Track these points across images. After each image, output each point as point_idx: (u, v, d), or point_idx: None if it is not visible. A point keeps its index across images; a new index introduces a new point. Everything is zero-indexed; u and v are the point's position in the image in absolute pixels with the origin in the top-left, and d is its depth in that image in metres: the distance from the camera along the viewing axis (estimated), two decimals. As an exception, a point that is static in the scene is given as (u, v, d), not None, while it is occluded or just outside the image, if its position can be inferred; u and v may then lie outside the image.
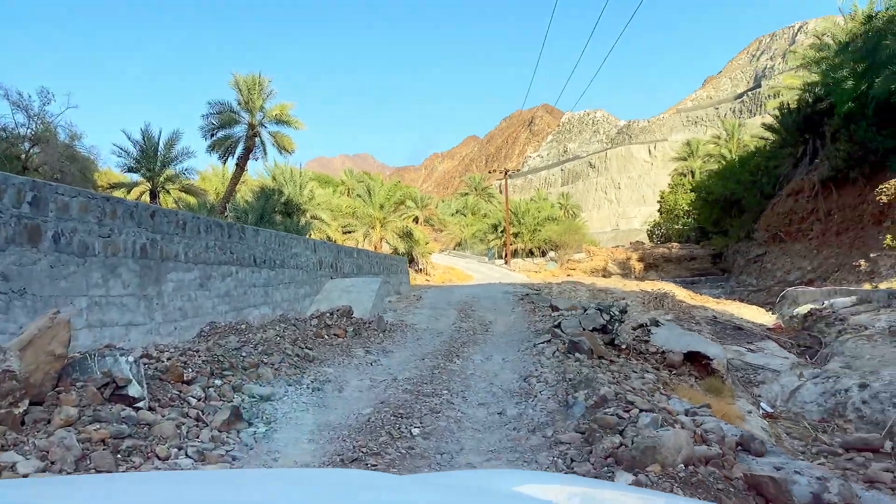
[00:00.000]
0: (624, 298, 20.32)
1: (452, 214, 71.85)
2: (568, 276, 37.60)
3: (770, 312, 23.18)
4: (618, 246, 59.33)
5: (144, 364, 6.30)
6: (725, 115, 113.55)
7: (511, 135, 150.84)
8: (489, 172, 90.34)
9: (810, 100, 29.66)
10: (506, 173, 50.00)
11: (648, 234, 59.98)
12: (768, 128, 31.98)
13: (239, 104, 29.72)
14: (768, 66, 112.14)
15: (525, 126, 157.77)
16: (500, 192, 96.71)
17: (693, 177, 58.89)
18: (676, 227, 55.98)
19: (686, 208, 55.90)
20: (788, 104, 30.66)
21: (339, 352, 9.60)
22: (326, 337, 10.45)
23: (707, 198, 31.06)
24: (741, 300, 26.67)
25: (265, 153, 30.09)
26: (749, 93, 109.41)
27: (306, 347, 9.25)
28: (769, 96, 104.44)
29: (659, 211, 58.98)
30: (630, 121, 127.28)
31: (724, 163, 54.51)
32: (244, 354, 7.82)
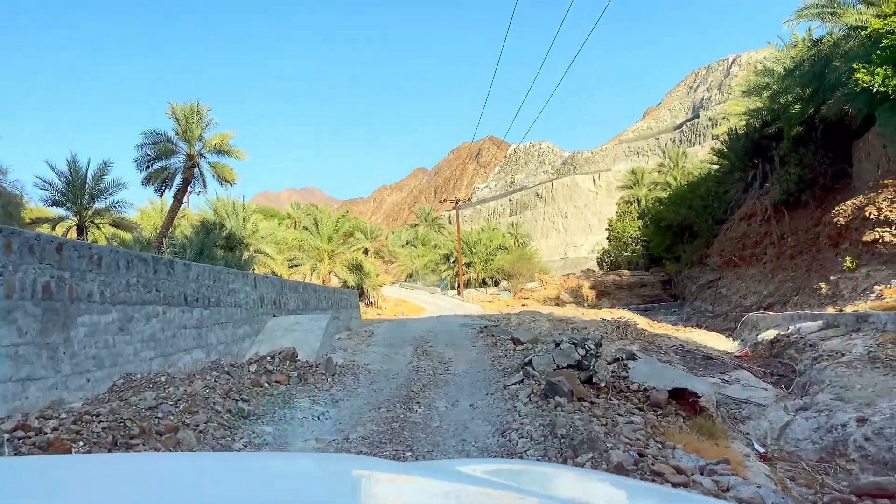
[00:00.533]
0: (586, 328, 19.37)
1: (403, 246, 70.63)
2: (523, 305, 36.67)
3: (731, 339, 22.60)
4: (569, 274, 59.00)
5: (20, 439, 4.84)
6: (666, 144, 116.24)
7: (459, 166, 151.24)
8: (439, 202, 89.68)
9: (757, 125, 29.77)
10: (456, 203, 49.16)
11: (598, 262, 59.86)
12: (717, 153, 31.99)
13: (176, 134, 28.07)
14: (705, 97, 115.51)
15: (473, 158, 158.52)
16: (451, 222, 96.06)
17: (639, 204, 59.31)
18: (626, 254, 55.96)
19: (634, 235, 56.07)
20: (736, 130, 30.71)
21: (280, 403, 8.19)
22: (266, 385, 9.02)
23: (659, 224, 30.71)
24: (699, 326, 26.09)
25: (205, 185, 28.43)
26: (688, 123, 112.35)
27: (241, 400, 7.81)
28: (710, 125, 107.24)
29: (608, 238, 58.99)
30: (574, 152, 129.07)
31: (670, 190, 55.14)
32: (161, 415, 6.36)
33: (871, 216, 18.51)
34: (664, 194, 55.59)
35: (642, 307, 41.50)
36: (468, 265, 48.12)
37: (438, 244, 60.62)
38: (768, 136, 28.84)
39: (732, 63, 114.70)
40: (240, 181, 28.51)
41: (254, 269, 34.04)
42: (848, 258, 19.14)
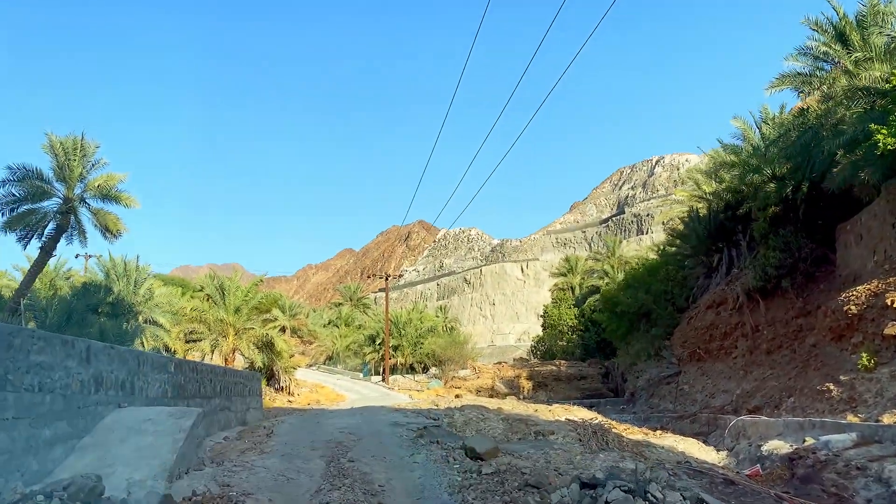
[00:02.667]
0: (553, 433, 14.77)
1: (325, 326, 64.73)
2: (457, 396, 31.71)
3: (713, 448, 18.45)
4: (500, 362, 54.35)
5: None
6: (592, 238, 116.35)
7: (387, 248, 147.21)
8: (367, 278, 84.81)
9: (719, 207, 26.97)
10: (386, 277, 44.43)
11: (532, 350, 55.81)
12: (676, 235, 28.89)
13: (53, 172, 22.64)
14: (630, 194, 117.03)
15: (402, 241, 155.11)
16: (377, 303, 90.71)
17: (573, 292, 56.24)
18: (561, 343, 52.20)
19: (570, 324, 52.54)
20: (697, 211, 27.77)
21: None
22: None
23: (614, 309, 26.96)
24: (663, 429, 21.89)
25: (84, 236, 22.80)
26: (613, 218, 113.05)
27: None
28: (634, 221, 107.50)
29: (543, 326, 55.28)
30: (503, 239, 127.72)
31: (607, 278, 52.40)
32: None
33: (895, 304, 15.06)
34: (601, 282, 52.90)
35: (583, 401, 37.23)
36: (395, 348, 42.96)
37: (363, 325, 55.20)
38: (733, 219, 25.94)
39: (656, 164, 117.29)
40: (153, 253, 22.79)
41: (141, 343, 28.02)
42: (864, 355, 15.50)
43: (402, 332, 43.36)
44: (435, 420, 16.29)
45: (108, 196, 22.32)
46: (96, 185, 22.13)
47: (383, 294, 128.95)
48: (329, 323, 65.83)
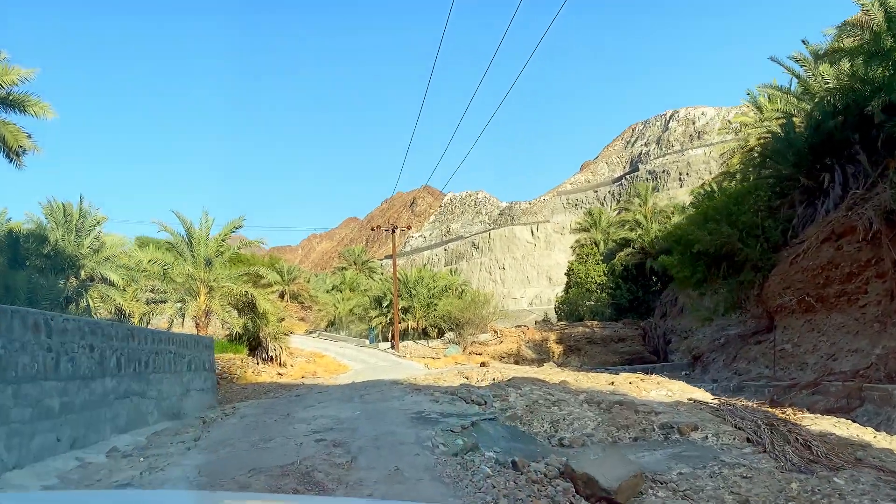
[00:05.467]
0: (695, 428, 8.32)
1: (328, 291, 58.30)
2: (483, 364, 25.31)
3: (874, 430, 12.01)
4: (520, 325, 47.93)
5: None
6: (605, 197, 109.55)
7: (392, 216, 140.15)
8: (371, 230, 78.52)
9: (818, 116, 20.15)
10: (393, 230, 37.77)
11: (556, 312, 49.37)
12: (764, 157, 22.03)
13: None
14: (643, 151, 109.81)
15: (407, 207, 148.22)
16: (383, 269, 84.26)
17: (598, 248, 49.58)
18: (588, 302, 45.69)
19: (599, 281, 45.99)
20: (791, 121, 20.94)
21: None
22: None
23: (689, 250, 20.30)
24: (776, 404, 15.41)
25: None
26: (627, 176, 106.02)
27: None
28: (650, 178, 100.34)
29: (567, 285, 48.78)
30: (512, 202, 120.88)
31: (639, 229, 45.72)
32: None
33: None
34: (632, 234, 46.24)
35: (631, 367, 30.88)
36: (405, 311, 36.50)
37: (369, 290, 48.62)
38: (844, 126, 19.19)
39: (670, 118, 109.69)
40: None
41: (86, 305, 21.56)
42: None
43: (413, 292, 36.85)
44: (479, 404, 9.81)
45: (6, 100, 15.65)
46: (-12, 82, 15.35)
47: (390, 261, 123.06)
48: (333, 288, 59.41)
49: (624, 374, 17.05)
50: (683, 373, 26.39)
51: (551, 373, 17.48)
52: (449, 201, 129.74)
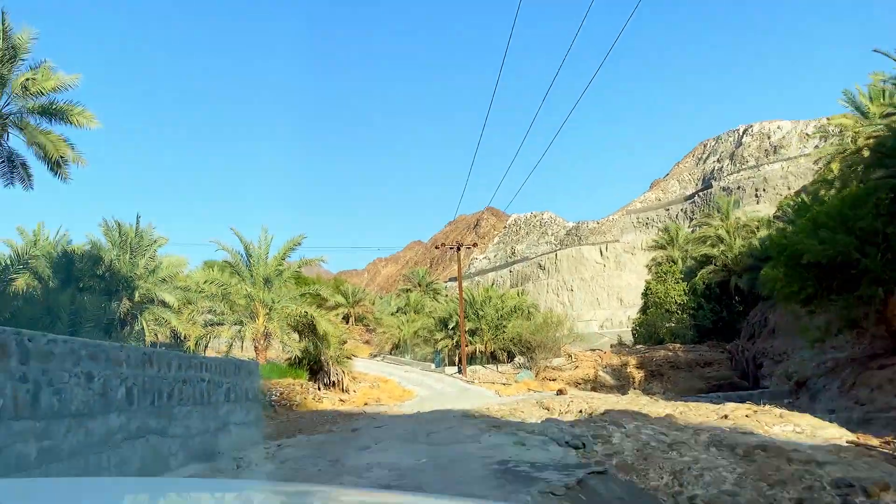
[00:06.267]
0: (889, 488, 6.05)
1: (392, 314, 56.99)
2: (560, 392, 22.98)
3: None
4: (594, 349, 45.06)
5: None
6: (677, 215, 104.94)
7: (456, 237, 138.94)
8: (435, 248, 77.09)
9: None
10: (458, 248, 35.99)
11: (633, 334, 46.30)
12: (881, 156, 19.07)
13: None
14: (716, 167, 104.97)
15: (470, 229, 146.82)
16: (448, 291, 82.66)
17: (676, 266, 46.32)
18: (669, 324, 42.50)
19: (679, 301, 42.77)
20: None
21: None
22: None
23: (797, 261, 17.54)
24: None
25: (25, 170, 15.21)
26: (700, 193, 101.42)
27: None
28: (724, 194, 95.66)
29: (644, 305, 45.70)
30: (579, 222, 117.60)
31: (722, 245, 42.36)
32: None
33: None
34: (714, 251, 42.92)
35: (720, 395, 27.83)
36: (473, 333, 34.49)
37: (434, 311, 46.94)
38: None
39: (744, 133, 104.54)
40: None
41: (140, 329, 20.57)
42: None
43: (480, 313, 34.83)
44: (576, 447, 7.71)
45: (47, 109, 14.75)
46: (35, 89, 14.45)
47: (455, 283, 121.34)
48: (397, 310, 58.03)
49: (731, 405, 14.49)
50: (786, 401, 23.21)
51: (644, 403, 15.10)
52: (513, 222, 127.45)
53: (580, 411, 12.93)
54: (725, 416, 11.57)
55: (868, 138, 21.75)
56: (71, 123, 15.04)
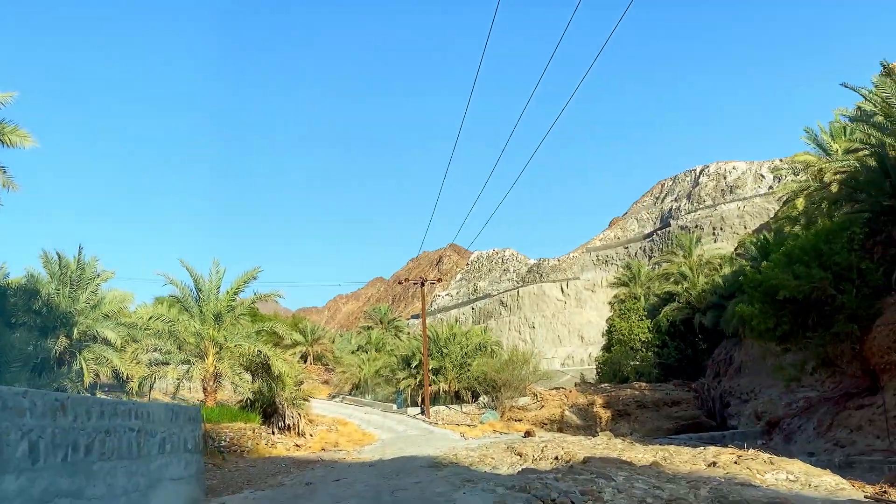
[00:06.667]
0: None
1: (353, 352, 55.24)
2: (527, 433, 21.93)
3: None
4: (557, 388, 44.09)
5: None
6: (636, 253, 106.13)
7: (418, 275, 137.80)
8: (398, 283, 75.78)
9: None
10: (423, 283, 34.94)
11: (598, 372, 45.64)
12: (852, 190, 18.96)
13: None
14: (674, 206, 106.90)
15: (433, 265, 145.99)
16: (409, 329, 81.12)
17: (635, 302, 46.05)
18: (633, 362, 41.97)
19: (643, 339, 42.36)
20: (885, 148, 18.00)
21: None
22: None
23: (772, 297, 17.08)
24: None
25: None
26: (658, 232, 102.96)
27: None
28: (681, 232, 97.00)
29: (608, 342, 45.19)
30: (540, 259, 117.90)
31: (686, 283, 42.28)
32: None
33: None
34: (678, 287, 42.78)
35: (686, 437, 27.10)
36: (436, 372, 33.24)
37: (396, 349, 45.53)
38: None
39: (700, 173, 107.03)
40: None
41: (79, 369, 18.90)
42: None
43: (444, 350, 33.68)
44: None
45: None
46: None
47: (417, 321, 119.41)
48: (358, 349, 56.32)
49: (713, 449, 13.67)
50: (759, 442, 22.61)
51: (621, 447, 14.18)
52: (475, 259, 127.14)
53: (556, 458, 11.93)
54: (714, 464, 10.71)
55: (835, 173, 21.77)
56: (3, 143, 13.74)
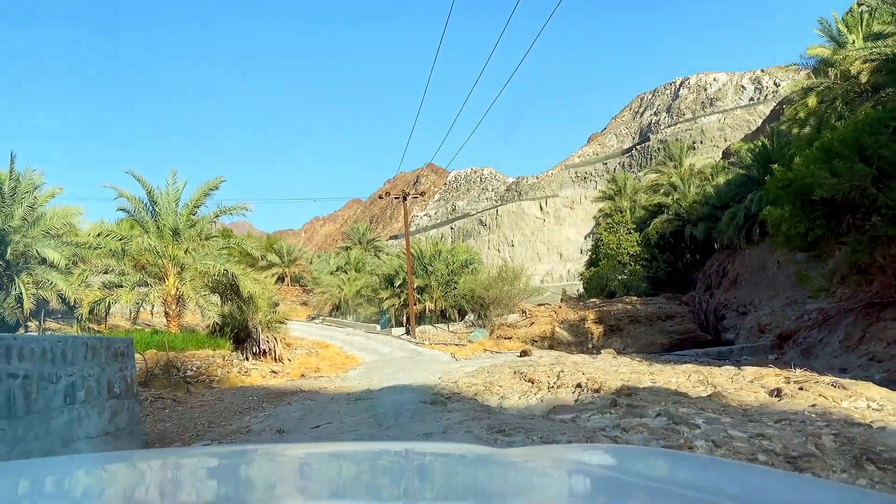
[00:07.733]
0: None
1: (332, 273, 52.99)
2: (524, 353, 20.09)
3: None
4: (542, 304, 42.54)
5: None
6: (615, 169, 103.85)
7: (397, 193, 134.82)
8: (379, 198, 73.20)
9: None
10: (405, 197, 32.38)
11: (584, 287, 44.11)
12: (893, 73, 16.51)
13: None
14: (653, 120, 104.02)
15: (410, 186, 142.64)
16: (388, 249, 78.91)
17: (623, 215, 44.11)
18: (620, 276, 40.39)
19: (632, 252, 40.67)
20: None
21: None
22: None
23: (805, 198, 14.94)
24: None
25: None
26: (637, 147, 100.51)
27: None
28: (661, 148, 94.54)
29: (594, 257, 43.48)
30: (519, 177, 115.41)
31: (677, 193, 40.25)
32: None
33: None
34: (668, 199, 40.81)
35: (683, 352, 25.67)
36: (422, 291, 31.21)
37: (377, 268, 43.30)
38: None
39: (680, 86, 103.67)
40: None
41: (18, 294, 16.26)
42: None
43: (429, 268, 31.53)
44: None
45: None
46: None
47: (396, 241, 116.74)
48: (337, 269, 54.01)
49: (750, 370, 11.74)
50: (771, 356, 21.13)
51: (648, 370, 12.21)
52: (453, 179, 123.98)
53: (578, 385, 9.85)
54: (777, 392, 8.69)
55: (865, 62, 19.24)
56: None
